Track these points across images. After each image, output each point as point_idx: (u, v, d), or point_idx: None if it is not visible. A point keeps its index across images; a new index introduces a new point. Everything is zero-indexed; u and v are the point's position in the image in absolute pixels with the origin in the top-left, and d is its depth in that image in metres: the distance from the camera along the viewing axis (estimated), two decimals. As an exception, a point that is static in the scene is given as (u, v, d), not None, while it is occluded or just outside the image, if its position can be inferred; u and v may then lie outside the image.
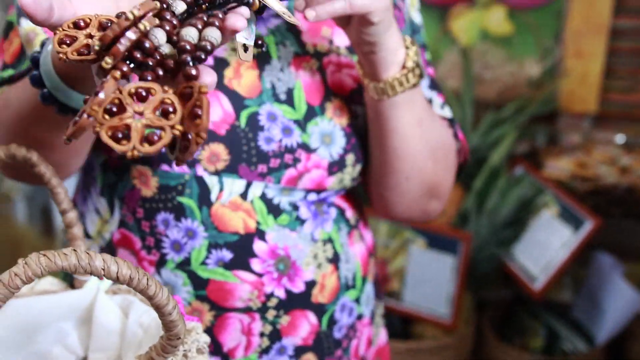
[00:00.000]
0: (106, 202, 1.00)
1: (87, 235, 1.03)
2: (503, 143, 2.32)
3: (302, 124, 0.96)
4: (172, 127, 0.55)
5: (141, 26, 0.57)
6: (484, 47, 2.48)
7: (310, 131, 0.96)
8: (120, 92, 0.57)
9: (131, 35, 0.57)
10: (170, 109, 0.56)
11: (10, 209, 2.74)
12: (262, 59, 0.95)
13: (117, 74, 0.57)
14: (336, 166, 0.98)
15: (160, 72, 0.59)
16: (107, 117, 0.55)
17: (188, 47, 0.60)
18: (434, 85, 1.08)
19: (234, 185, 0.94)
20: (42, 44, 0.77)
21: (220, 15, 0.64)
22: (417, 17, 1.09)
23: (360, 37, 0.87)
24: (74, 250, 0.57)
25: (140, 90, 0.57)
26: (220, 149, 0.93)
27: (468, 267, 2.26)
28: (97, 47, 0.58)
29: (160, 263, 0.96)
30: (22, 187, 2.65)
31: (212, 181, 0.94)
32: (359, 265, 1.06)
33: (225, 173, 0.93)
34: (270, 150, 0.94)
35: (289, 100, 0.95)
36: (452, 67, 2.51)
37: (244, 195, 0.95)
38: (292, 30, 0.97)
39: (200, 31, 0.62)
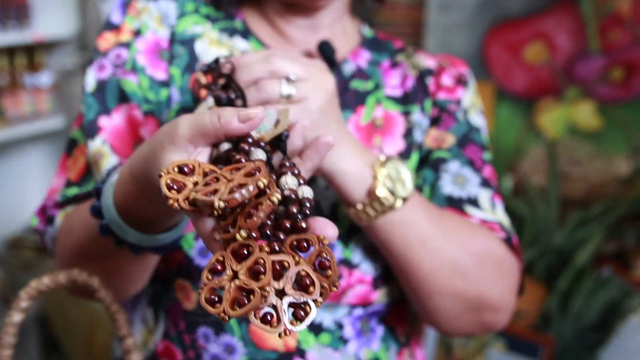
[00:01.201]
0: (152, 313, 1.00)
1: None
2: (590, 243, 2.26)
3: (344, 240, 0.94)
4: (262, 288, 0.55)
5: (274, 198, 0.57)
6: (571, 142, 2.43)
7: (352, 247, 0.94)
8: (225, 250, 0.57)
9: (267, 207, 0.57)
10: (262, 270, 0.55)
11: None
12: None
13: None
14: (382, 280, 0.96)
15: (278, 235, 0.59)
16: (209, 277, 0.56)
17: (294, 196, 0.60)
18: (486, 184, 1.00)
19: None
20: (108, 174, 0.79)
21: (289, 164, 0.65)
22: (476, 119, 1.05)
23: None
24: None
25: (242, 249, 0.57)
26: None
27: (550, 373, 2.16)
28: (220, 207, 0.56)
29: None
30: None
31: None
32: None
33: None
34: None
35: (332, 217, 0.94)
36: (538, 162, 2.47)
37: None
38: None
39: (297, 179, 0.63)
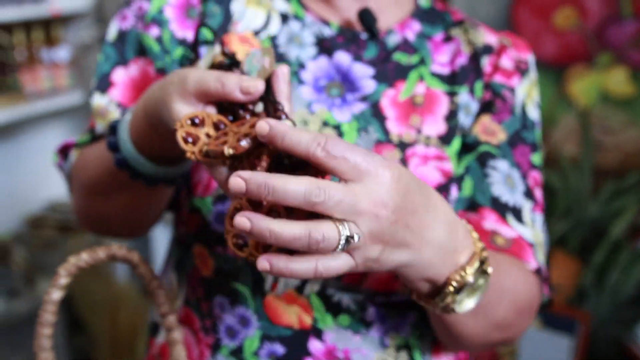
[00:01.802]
0: (176, 277, 1.01)
1: None
2: (625, 214, 2.23)
3: None
4: None
5: (272, 148, 0.65)
6: (604, 110, 2.39)
7: None
8: (241, 198, 0.64)
9: (266, 158, 0.66)
10: (278, 215, 0.62)
11: (110, 268, 2.79)
12: None
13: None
14: None
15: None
16: (232, 223, 0.64)
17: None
18: (530, 194, 0.95)
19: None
20: (123, 114, 0.85)
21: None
22: (532, 113, 1.00)
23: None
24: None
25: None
26: None
27: (587, 349, 2.15)
28: (230, 154, 0.65)
29: (216, 347, 0.94)
30: (123, 245, 2.68)
31: None
32: None
33: None
34: None
35: None
36: (570, 132, 2.43)
37: (300, 289, 0.90)
38: (378, 116, 0.93)
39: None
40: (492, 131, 0.96)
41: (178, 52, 0.96)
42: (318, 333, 0.91)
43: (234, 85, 0.69)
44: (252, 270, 0.91)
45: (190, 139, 0.68)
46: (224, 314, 0.93)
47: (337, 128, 0.91)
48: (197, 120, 0.69)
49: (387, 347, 0.94)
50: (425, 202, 0.68)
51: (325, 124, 0.91)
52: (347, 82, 0.95)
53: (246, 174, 0.59)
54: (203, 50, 0.96)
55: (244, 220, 0.60)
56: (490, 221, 0.91)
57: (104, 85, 0.98)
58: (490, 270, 0.75)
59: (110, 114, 0.96)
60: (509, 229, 0.91)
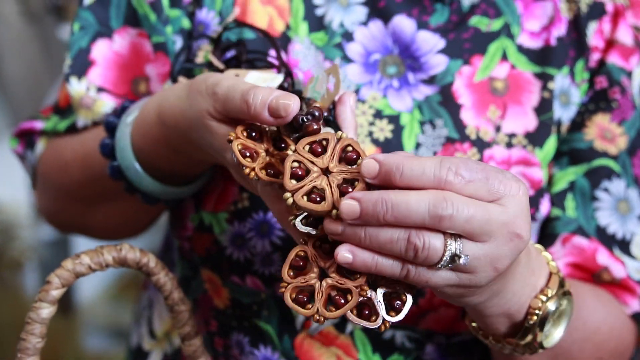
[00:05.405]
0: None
1: (151, 334, 0.98)
2: None
3: None
4: (359, 287, 0.62)
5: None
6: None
7: None
8: (306, 243, 0.64)
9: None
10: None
11: (20, 278, 2.66)
12: (389, 145, 0.85)
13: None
14: None
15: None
16: (291, 273, 0.64)
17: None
18: None
19: None
20: (122, 109, 0.82)
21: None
22: None
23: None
24: None
25: (327, 243, 0.64)
26: None
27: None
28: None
29: None
30: (36, 250, 2.59)
31: None
32: None
33: None
34: None
35: None
36: None
37: (340, 326, 0.87)
38: (449, 105, 0.87)
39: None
40: (611, 136, 0.90)
41: (173, 14, 0.89)
42: None
43: (260, 106, 0.66)
44: (279, 305, 0.87)
45: (247, 153, 0.67)
46: (244, 356, 0.89)
47: (394, 120, 0.85)
48: (254, 134, 0.69)
49: None
50: None
51: (377, 114, 0.85)
52: (408, 58, 0.88)
53: (358, 193, 0.60)
54: (203, 14, 0.88)
55: (347, 251, 0.60)
56: (604, 255, 0.88)
57: (82, 65, 0.91)
58: (570, 289, 0.76)
59: (98, 105, 0.91)
60: (621, 268, 0.88)
